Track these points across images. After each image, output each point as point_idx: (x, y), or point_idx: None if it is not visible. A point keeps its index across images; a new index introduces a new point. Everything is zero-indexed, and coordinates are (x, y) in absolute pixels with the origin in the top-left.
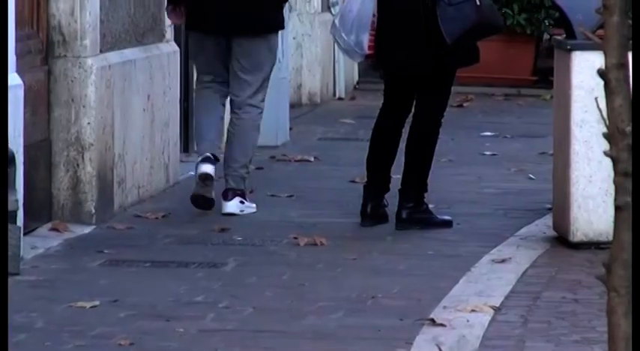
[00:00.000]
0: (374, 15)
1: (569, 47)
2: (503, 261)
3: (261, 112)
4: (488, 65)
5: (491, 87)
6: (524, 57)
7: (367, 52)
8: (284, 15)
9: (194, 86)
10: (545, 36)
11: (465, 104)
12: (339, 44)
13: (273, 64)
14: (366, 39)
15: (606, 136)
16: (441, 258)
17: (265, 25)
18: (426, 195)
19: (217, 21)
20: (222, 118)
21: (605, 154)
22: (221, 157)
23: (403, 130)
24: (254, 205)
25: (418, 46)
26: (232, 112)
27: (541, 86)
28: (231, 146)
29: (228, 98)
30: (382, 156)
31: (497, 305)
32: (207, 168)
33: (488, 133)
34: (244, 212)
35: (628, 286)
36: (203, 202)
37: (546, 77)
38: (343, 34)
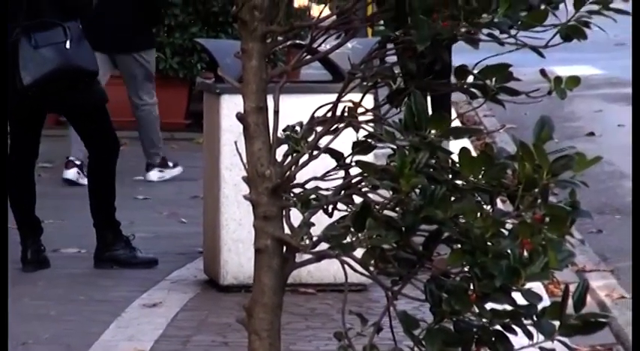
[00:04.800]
0: None
1: (218, 91)
2: (154, 305)
3: (153, 105)
4: None
5: None
6: (177, 101)
7: None
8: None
9: None
10: (198, 79)
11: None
12: None
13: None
14: None
15: (246, 179)
16: (92, 303)
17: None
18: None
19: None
20: None
21: (245, 197)
22: None
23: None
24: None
25: (12, 86)
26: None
27: (194, 130)
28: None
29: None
30: (22, 198)
31: (147, 350)
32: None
33: (142, 177)
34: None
35: (269, 329)
36: None
37: (199, 120)
38: None
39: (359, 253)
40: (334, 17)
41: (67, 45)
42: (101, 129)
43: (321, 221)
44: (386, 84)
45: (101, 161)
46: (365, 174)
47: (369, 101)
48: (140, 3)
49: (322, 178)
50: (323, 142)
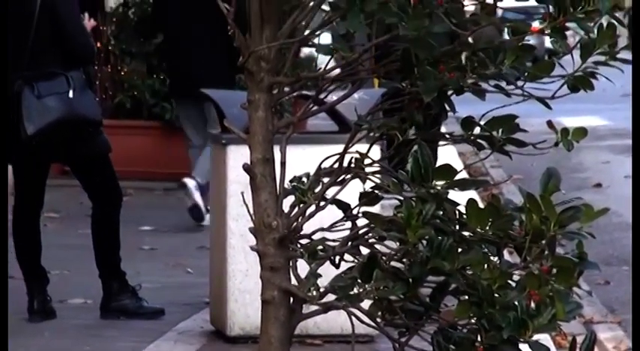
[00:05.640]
0: None
1: (224, 142)
2: None
3: (201, 147)
4: (148, 159)
5: (152, 181)
6: (184, 151)
7: None
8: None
9: None
10: None
11: (124, 199)
12: None
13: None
14: None
15: (253, 230)
16: None
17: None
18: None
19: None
20: None
21: (252, 248)
22: None
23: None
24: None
25: (11, 138)
26: None
27: None
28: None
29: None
30: (28, 248)
31: None
32: None
33: (147, 228)
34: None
35: None
36: None
37: None
38: None
39: (366, 304)
40: (340, 68)
41: (71, 94)
42: (105, 179)
43: (328, 272)
44: (393, 135)
45: (105, 212)
46: (372, 225)
47: (375, 152)
48: (226, 51)
49: (329, 229)
50: (330, 193)
